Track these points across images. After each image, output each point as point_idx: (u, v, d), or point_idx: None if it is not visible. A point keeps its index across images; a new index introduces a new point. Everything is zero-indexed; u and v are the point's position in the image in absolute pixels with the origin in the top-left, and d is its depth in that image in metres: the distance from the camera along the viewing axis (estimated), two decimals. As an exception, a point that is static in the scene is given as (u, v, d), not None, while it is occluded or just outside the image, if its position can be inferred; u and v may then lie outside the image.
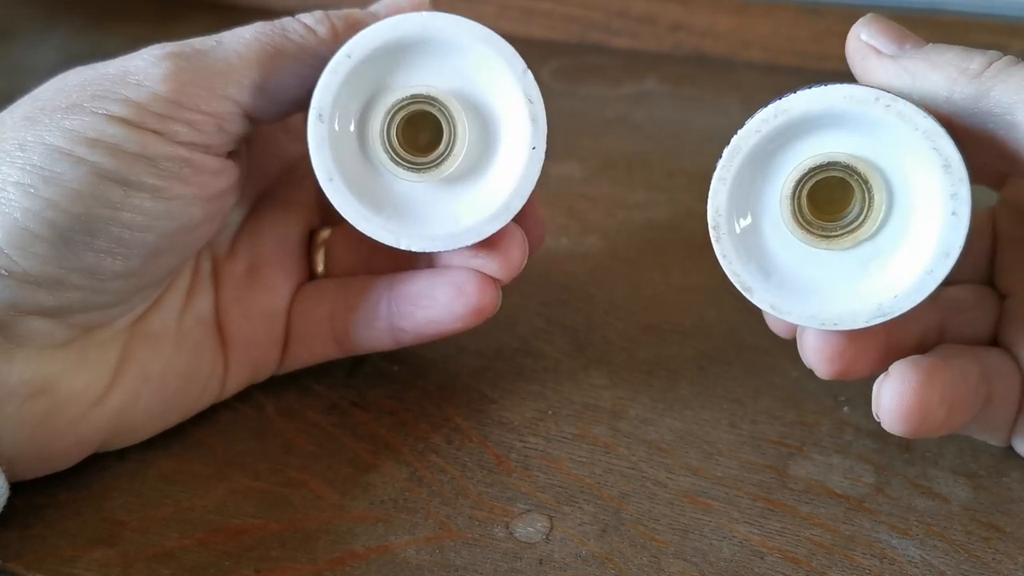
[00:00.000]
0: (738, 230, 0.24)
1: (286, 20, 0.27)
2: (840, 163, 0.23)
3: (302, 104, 0.27)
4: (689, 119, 0.52)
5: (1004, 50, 0.25)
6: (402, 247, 0.26)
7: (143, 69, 0.25)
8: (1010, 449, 0.28)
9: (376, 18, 0.27)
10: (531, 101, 0.25)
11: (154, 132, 0.24)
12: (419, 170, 0.26)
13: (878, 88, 0.23)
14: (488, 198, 0.26)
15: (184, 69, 0.25)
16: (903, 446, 0.29)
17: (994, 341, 0.28)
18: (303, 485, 0.28)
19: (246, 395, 0.31)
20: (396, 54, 0.25)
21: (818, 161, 0.23)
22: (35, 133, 0.24)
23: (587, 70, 0.60)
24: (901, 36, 0.25)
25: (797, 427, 0.30)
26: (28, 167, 0.23)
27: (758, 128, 0.22)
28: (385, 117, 0.25)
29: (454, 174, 0.26)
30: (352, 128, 0.26)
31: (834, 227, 0.24)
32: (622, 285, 0.37)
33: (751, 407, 0.31)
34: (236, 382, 0.30)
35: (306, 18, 0.27)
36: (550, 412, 0.31)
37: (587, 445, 0.29)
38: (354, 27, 0.26)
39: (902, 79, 0.24)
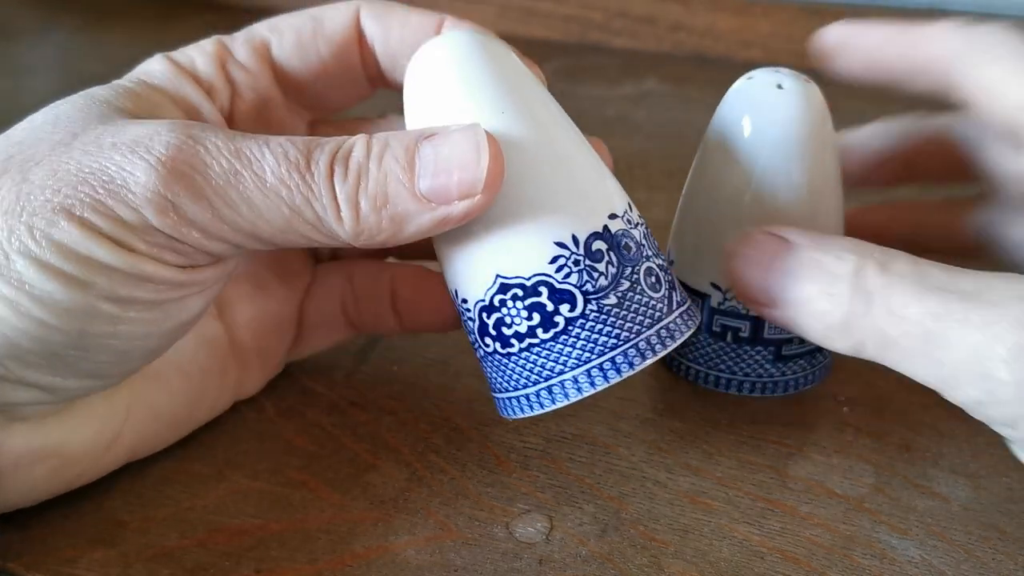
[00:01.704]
0: None
1: (321, 165, 0.23)
2: None
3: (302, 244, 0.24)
4: (689, 119, 0.52)
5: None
6: None
7: (143, 188, 0.22)
8: (1007, 440, 0.28)
9: (413, 198, 0.23)
10: None
11: (146, 256, 0.22)
12: None
13: None
14: None
15: (185, 206, 0.22)
16: (903, 446, 0.29)
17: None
18: (303, 485, 0.28)
19: (246, 395, 0.31)
20: None
21: None
22: (20, 242, 0.21)
23: (587, 70, 0.60)
24: (764, 282, 0.25)
25: (797, 427, 0.30)
26: (15, 282, 0.21)
27: None
28: None
29: None
30: None
31: None
32: (622, 285, 0.37)
33: (751, 407, 0.31)
34: (250, 387, 0.31)
35: (339, 185, 0.23)
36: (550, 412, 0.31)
37: (587, 445, 0.29)
38: (379, 210, 0.23)
39: (787, 326, 0.25)
